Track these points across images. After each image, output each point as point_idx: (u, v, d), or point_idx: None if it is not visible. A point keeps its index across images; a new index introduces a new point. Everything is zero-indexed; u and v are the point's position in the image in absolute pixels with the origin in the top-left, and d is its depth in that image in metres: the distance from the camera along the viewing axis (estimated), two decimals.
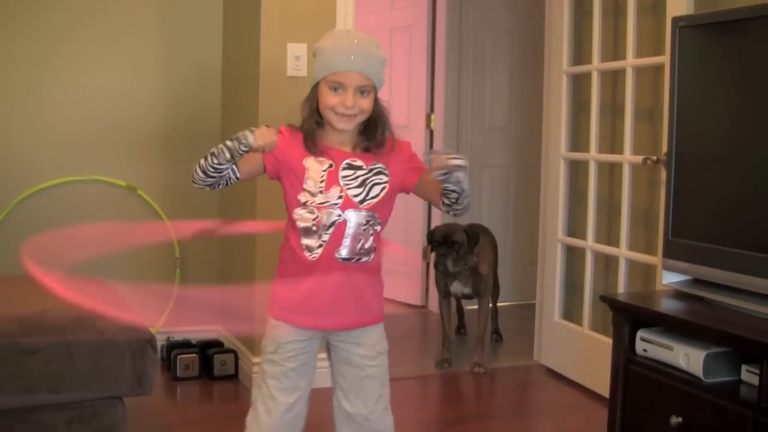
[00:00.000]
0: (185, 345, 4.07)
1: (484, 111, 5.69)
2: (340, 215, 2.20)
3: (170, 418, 3.50)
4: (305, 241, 2.22)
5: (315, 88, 2.24)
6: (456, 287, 4.30)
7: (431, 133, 5.47)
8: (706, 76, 2.68)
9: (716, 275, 2.56)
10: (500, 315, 4.88)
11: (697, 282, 2.69)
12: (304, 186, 2.20)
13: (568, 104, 4.12)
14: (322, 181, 2.20)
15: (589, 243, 3.96)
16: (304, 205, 2.21)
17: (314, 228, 2.20)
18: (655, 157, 3.35)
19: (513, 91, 5.78)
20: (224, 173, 2.17)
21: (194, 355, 3.94)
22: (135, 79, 4.20)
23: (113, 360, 2.57)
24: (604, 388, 3.04)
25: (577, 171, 4.16)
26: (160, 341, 4.01)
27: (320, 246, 2.21)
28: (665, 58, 3.18)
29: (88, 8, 4.08)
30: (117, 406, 2.64)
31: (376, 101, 2.23)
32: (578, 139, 4.13)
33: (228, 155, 2.11)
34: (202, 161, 2.16)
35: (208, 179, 2.17)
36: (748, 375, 2.30)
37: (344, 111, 2.17)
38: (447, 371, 4.22)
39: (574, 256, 4.19)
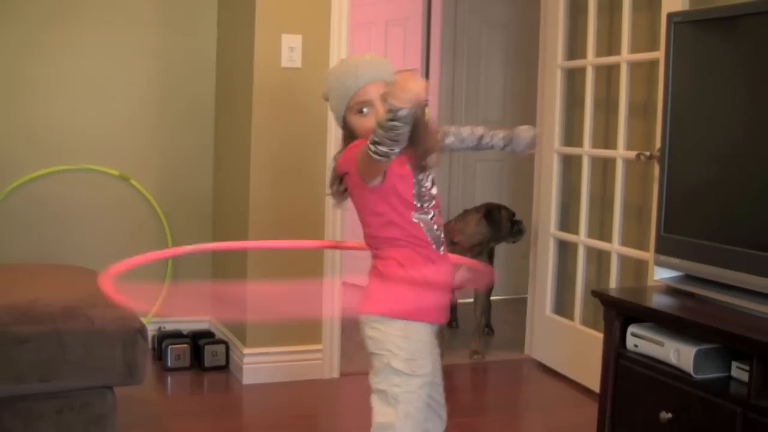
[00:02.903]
0: (176, 335, 4.06)
1: (479, 104, 5.69)
2: (438, 215, 2.24)
3: (160, 408, 3.50)
4: (431, 238, 2.20)
5: (345, 125, 2.20)
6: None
7: None
8: (701, 72, 2.67)
9: (708, 272, 2.57)
10: (492, 309, 4.88)
11: (689, 278, 2.69)
12: (414, 190, 2.18)
13: (562, 99, 4.12)
14: (423, 186, 2.20)
15: (582, 238, 3.97)
16: (420, 208, 2.19)
17: (436, 227, 2.21)
18: (648, 153, 3.35)
19: (507, 84, 5.77)
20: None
21: (185, 345, 3.94)
22: (129, 68, 4.19)
23: (104, 350, 2.57)
24: (594, 382, 3.05)
25: (570, 166, 4.16)
26: (151, 331, 4.01)
27: (442, 244, 2.23)
28: (660, 54, 3.18)
29: None
30: (107, 396, 2.63)
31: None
32: (572, 134, 4.13)
33: (396, 132, 1.90)
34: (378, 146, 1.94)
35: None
36: (738, 371, 2.31)
37: None
38: None
39: (566, 251, 4.19)
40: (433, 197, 2.23)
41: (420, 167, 2.20)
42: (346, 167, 2.16)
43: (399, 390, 2.13)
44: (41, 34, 4.01)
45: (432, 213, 2.22)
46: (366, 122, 2.13)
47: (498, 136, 2.43)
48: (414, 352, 2.15)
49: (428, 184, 2.23)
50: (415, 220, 2.18)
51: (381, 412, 2.15)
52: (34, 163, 4.04)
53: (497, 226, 4.26)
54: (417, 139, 2.15)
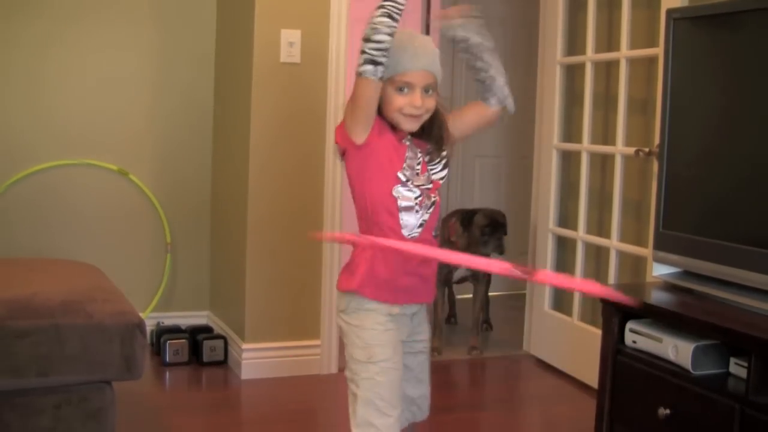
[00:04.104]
0: (175, 330, 4.06)
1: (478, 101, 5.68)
2: (434, 198, 2.21)
3: (159, 403, 3.50)
4: (405, 220, 2.16)
5: None
6: (461, 271, 4.36)
7: None
8: (700, 69, 2.67)
9: (707, 268, 2.57)
10: (490, 304, 4.89)
11: (687, 274, 2.69)
12: (405, 164, 2.16)
13: (561, 95, 4.12)
14: (419, 164, 2.19)
15: (581, 234, 3.97)
16: (404, 183, 2.15)
17: (417, 208, 2.17)
18: (647, 149, 3.35)
19: (506, 80, 5.76)
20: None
21: (184, 340, 3.94)
22: (128, 62, 4.18)
23: (102, 344, 2.56)
24: (592, 378, 3.05)
25: (569, 162, 4.17)
26: (150, 326, 4.00)
27: (420, 225, 2.18)
28: (659, 50, 3.18)
29: None
30: (105, 391, 2.63)
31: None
32: (571, 130, 4.14)
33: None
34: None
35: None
36: (736, 368, 2.31)
37: (412, 111, 2.13)
38: (437, 360, 4.22)
39: (565, 247, 4.19)
40: (431, 180, 2.21)
41: (434, 153, 2.22)
42: (338, 131, 2.17)
43: (358, 378, 2.17)
44: (39, 31, 4.00)
45: (419, 193, 2.16)
46: (399, 101, 2.12)
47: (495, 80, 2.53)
48: (368, 339, 2.17)
49: (438, 167, 2.22)
50: (396, 195, 2.14)
51: (350, 399, 2.21)
52: (32, 157, 4.04)
53: (469, 232, 4.26)
54: (431, 127, 2.21)
